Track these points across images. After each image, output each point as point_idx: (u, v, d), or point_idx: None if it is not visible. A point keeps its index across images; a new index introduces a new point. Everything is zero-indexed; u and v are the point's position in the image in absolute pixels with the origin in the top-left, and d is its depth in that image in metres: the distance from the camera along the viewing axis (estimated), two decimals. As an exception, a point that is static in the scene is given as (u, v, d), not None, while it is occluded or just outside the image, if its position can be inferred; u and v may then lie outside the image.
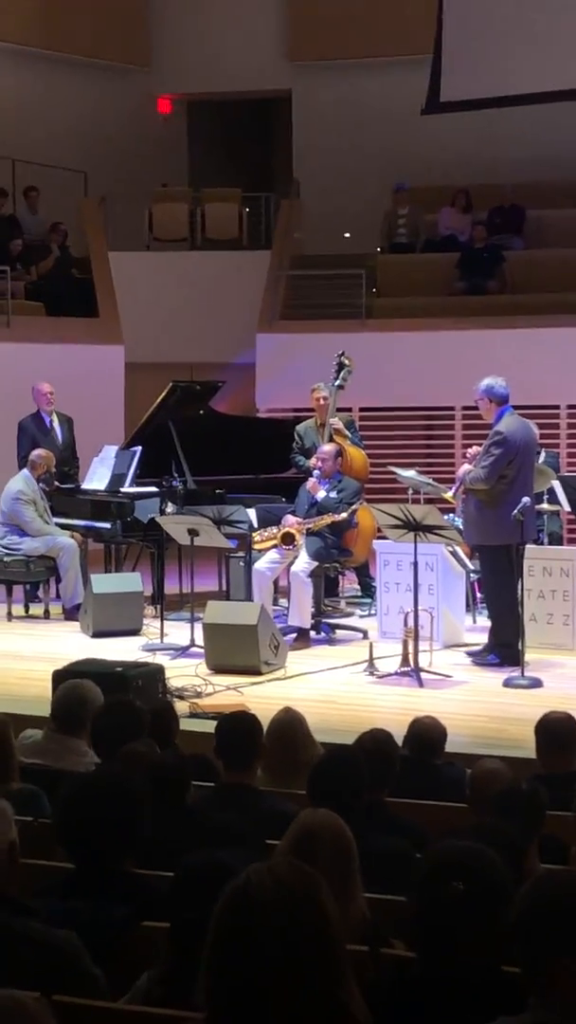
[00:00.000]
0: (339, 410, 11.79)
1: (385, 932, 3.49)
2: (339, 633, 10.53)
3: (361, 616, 11.26)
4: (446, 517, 9.48)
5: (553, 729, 5.64)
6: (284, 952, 2.10)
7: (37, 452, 11.59)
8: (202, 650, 9.33)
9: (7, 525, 11.31)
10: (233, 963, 2.12)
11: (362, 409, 15.06)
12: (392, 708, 8.06)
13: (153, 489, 11.28)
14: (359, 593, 11.88)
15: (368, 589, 11.77)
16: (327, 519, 10.24)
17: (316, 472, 10.57)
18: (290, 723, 5.76)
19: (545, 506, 10.71)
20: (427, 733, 5.89)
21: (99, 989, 3.13)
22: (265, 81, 19.41)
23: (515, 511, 8.69)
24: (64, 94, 18.65)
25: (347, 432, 11.55)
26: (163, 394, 11.75)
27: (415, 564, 9.03)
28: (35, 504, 11.33)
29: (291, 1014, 2.09)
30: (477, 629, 10.37)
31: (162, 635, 10.04)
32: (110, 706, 5.58)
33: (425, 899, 2.98)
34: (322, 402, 11.55)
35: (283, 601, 10.91)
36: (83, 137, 18.35)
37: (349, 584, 12.01)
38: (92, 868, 3.68)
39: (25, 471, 11.46)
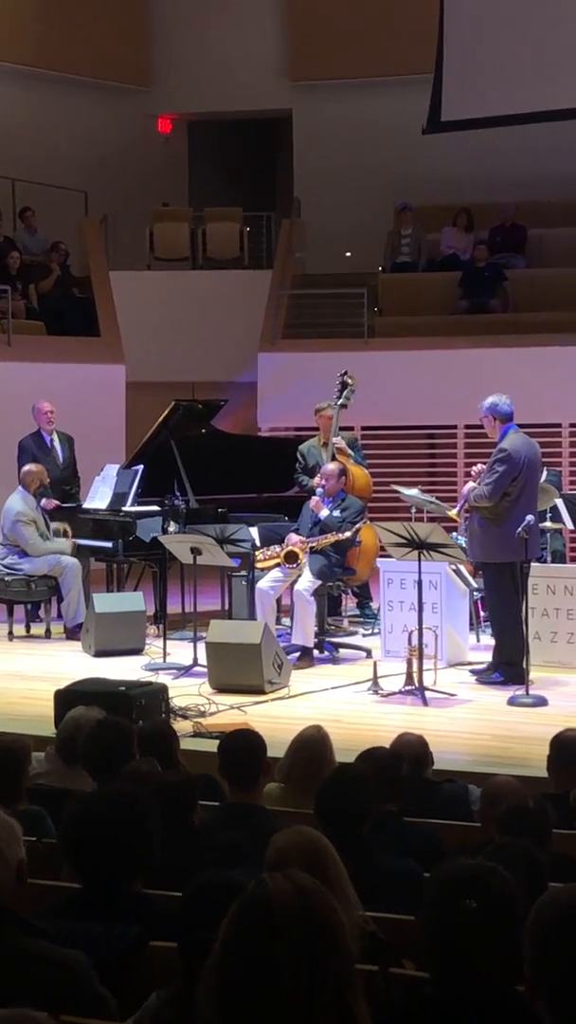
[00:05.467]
0: (342, 429, 11.77)
1: (394, 951, 3.45)
2: (343, 652, 10.49)
3: (364, 635, 11.24)
4: (450, 535, 9.46)
5: (569, 747, 5.59)
6: (305, 961, 2.08)
7: (27, 468, 11.52)
8: (205, 669, 9.29)
9: (7, 546, 11.27)
10: (250, 972, 2.09)
11: (364, 428, 15.05)
12: (397, 727, 7.95)
13: (155, 508, 11.26)
14: (358, 612, 11.87)
15: (365, 608, 11.74)
16: (331, 538, 10.22)
17: (319, 491, 10.55)
18: (321, 740, 5.74)
19: (548, 524, 10.68)
20: (412, 748, 5.82)
21: (108, 1009, 3.10)
22: (266, 100, 19.46)
23: (519, 529, 8.67)
24: (65, 114, 18.69)
25: (350, 451, 11.53)
26: (165, 413, 11.74)
27: (419, 582, 9.00)
28: (35, 523, 11.29)
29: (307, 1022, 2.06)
30: (481, 647, 10.35)
31: (165, 654, 10.00)
32: (95, 729, 5.53)
33: (437, 918, 2.93)
34: (328, 421, 11.53)
35: (286, 620, 10.88)
36: (84, 156, 18.39)
37: (352, 603, 12.00)
38: (100, 888, 3.64)
39: (20, 489, 11.40)
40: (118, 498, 11.46)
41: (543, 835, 4.36)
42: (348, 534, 10.25)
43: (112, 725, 5.56)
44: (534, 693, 8.67)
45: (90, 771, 5.30)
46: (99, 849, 3.64)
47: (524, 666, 8.81)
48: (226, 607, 11.38)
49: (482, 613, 10.81)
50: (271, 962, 2.08)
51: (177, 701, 8.36)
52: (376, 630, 10.95)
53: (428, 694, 8.76)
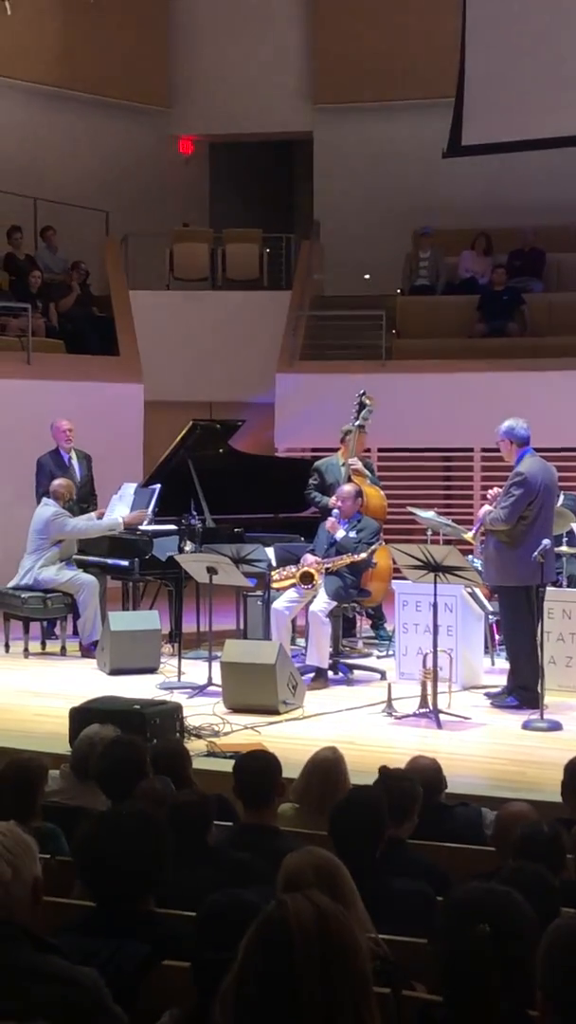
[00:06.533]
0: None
1: (406, 974, 3.45)
2: (357, 673, 10.49)
3: (379, 657, 11.23)
4: (466, 558, 9.45)
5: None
6: (323, 983, 2.08)
7: (58, 482, 11.57)
8: (219, 689, 9.30)
9: (38, 552, 11.27)
10: (268, 992, 2.09)
11: (381, 450, 15.06)
12: (411, 749, 7.94)
13: (172, 527, 11.28)
14: (373, 633, 11.87)
15: (380, 630, 11.74)
16: (346, 559, 10.22)
17: (335, 512, 10.55)
18: (335, 762, 5.73)
19: (564, 548, 10.66)
20: (426, 772, 5.80)
21: (121, 1028, 3.09)
22: (287, 123, 19.52)
23: (535, 553, 8.66)
24: (86, 134, 18.77)
25: (366, 472, 11.55)
26: (183, 432, 11.76)
27: (434, 605, 8.99)
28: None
29: None
30: (496, 671, 10.33)
31: (179, 673, 10.01)
32: (109, 747, 5.55)
33: (451, 942, 2.94)
34: (359, 443, 11.58)
35: (301, 640, 10.88)
36: (105, 176, 18.46)
37: (366, 625, 11.99)
38: (112, 906, 3.65)
39: (49, 500, 11.43)
40: (135, 517, 11.48)
41: (557, 861, 4.35)
42: (364, 555, 10.25)
43: (126, 744, 5.57)
44: (549, 717, 8.65)
45: (103, 789, 5.32)
46: (110, 868, 3.65)
47: (539, 690, 8.79)
48: (241, 627, 11.39)
49: (497, 636, 10.79)
50: (290, 983, 2.08)
51: (191, 720, 8.37)
52: (390, 652, 10.95)
53: (442, 717, 8.74)
